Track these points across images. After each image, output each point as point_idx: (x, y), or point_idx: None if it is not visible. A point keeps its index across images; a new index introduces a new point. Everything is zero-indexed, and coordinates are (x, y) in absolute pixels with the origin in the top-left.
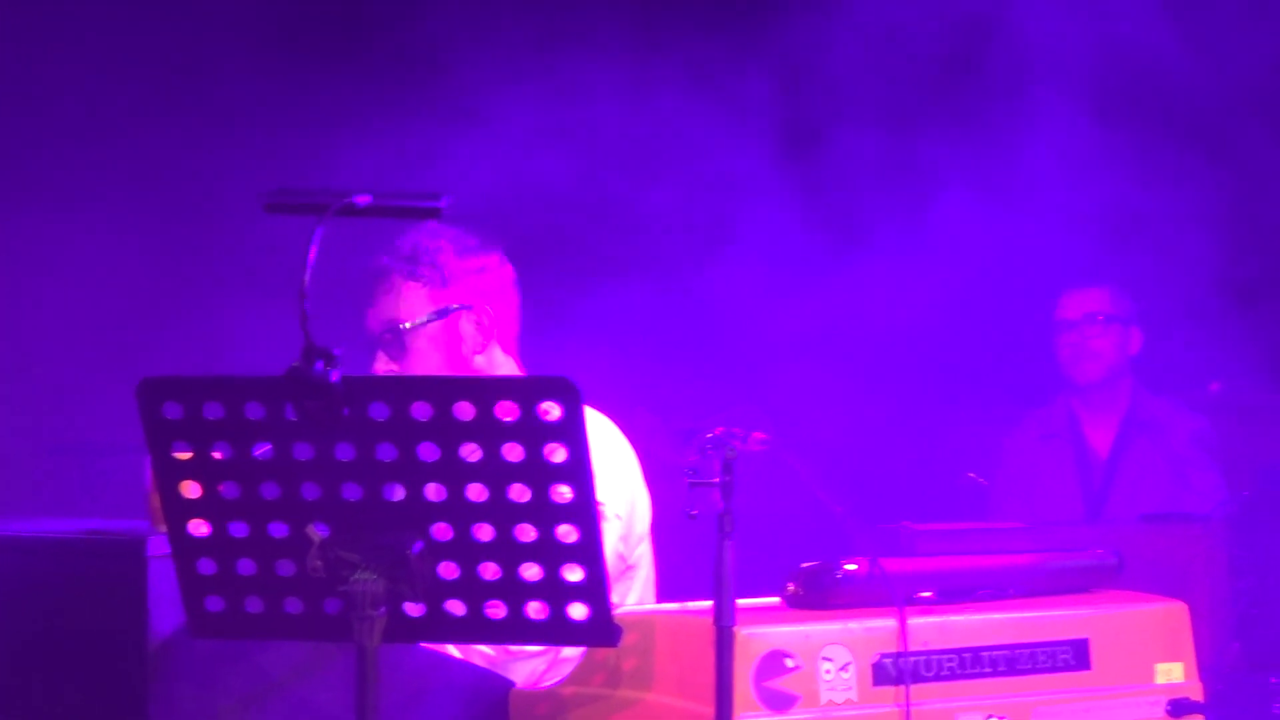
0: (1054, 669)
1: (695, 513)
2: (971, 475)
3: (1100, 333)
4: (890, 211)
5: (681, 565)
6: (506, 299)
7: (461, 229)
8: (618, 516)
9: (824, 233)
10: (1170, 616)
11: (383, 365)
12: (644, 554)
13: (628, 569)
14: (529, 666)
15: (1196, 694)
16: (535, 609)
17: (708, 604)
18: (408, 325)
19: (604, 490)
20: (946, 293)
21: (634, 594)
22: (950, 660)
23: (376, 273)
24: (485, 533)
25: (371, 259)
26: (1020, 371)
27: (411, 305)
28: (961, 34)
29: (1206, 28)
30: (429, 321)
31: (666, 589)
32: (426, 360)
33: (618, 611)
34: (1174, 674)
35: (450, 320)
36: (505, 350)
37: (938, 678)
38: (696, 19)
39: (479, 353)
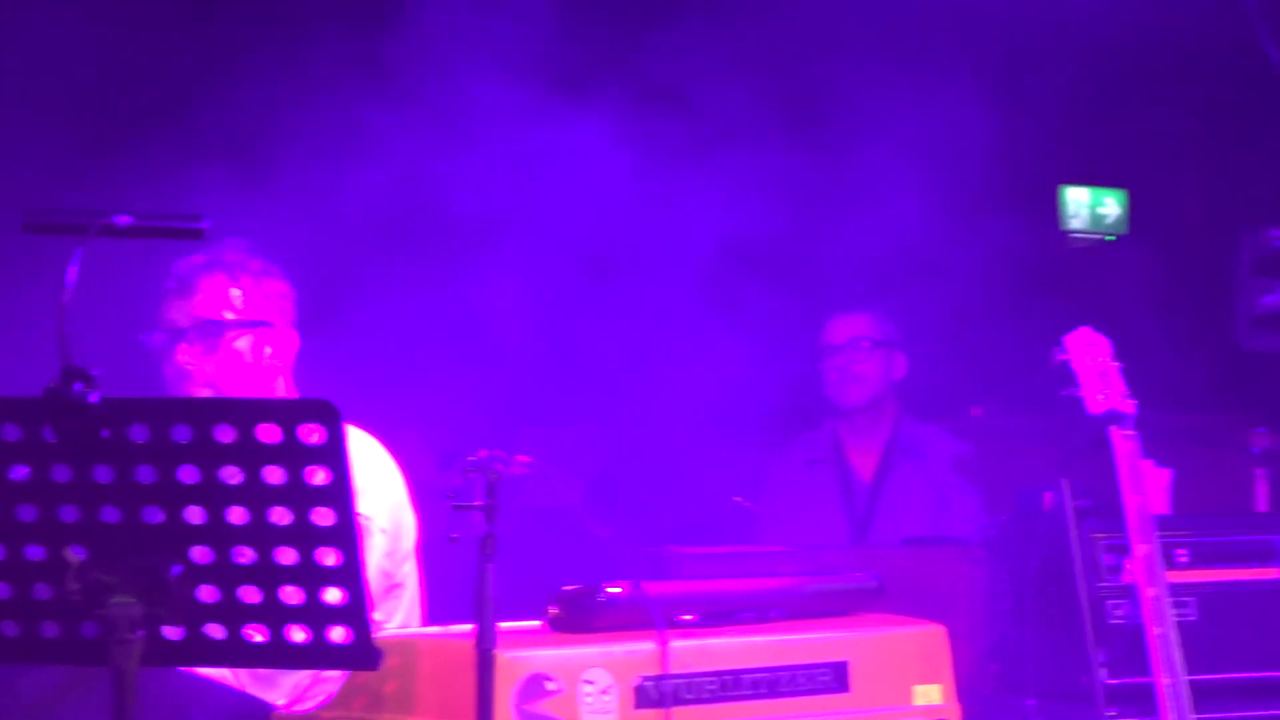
0: (814, 691)
1: (457, 536)
2: (738, 499)
3: (865, 357)
4: (652, 233)
5: (445, 589)
6: (293, 333)
7: (267, 257)
8: (383, 531)
9: (590, 253)
10: (929, 639)
11: (184, 358)
12: (410, 573)
13: (394, 586)
14: (292, 680)
15: (954, 715)
16: (296, 632)
17: (470, 627)
18: (230, 315)
19: (370, 505)
20: (712, 317)
21: (400, 613)
22: (711, 683)
23: (200, 267)
24: (245, 556)
25: (192, 255)
26: (787, 396)
27: (233, 306)
28: None
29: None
30: (245, 326)
31: (431, 612)
32: (235, 364)
33: (379, 634)
34: (932, 696)
35: (261, 333)
36: (289, 380)
37: (699, 700)
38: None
39: (268, 375)
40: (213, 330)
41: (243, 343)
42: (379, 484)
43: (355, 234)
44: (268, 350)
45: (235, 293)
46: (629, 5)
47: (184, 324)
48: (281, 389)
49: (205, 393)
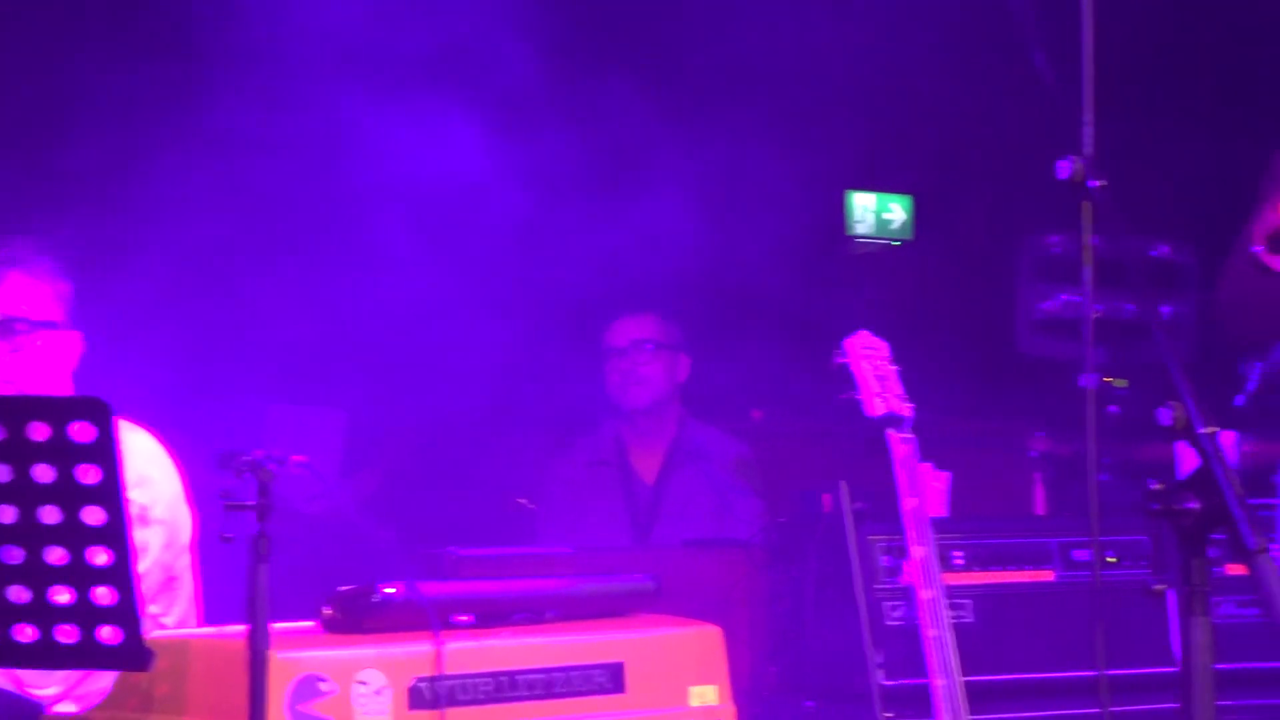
0: (590, 692)
1: (231, 536)
2: (520, 501)
3: (648, 360)
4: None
5: (220, 589)
6: (76, 330)
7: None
8: (161, 522)
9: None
10: (704, 640)
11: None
12: (186, 569)
13: (172, 579)
14: (49, 694)
15: (730, 716)
16: (66, 632)
17: (243, 628)
18: (30, 313)
19: (148, 495)
20: (496, 316)
21: (178, 607)
22: (486, 684)
23: (12, 259)
24: (14, 555)
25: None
26: (569, 397)
27: (35, 305)
28: None
29: None
30: (51, 328)
31: (206, 613)
32: (37, 364)
33: (151, 635)
34: (708, 696)
35: (65, 335)
36: (62, 385)
37: (474, 701)
38: None
39: (66, 374)
40: (13, 329)
41: (39, 342)
42: (156, 476)
43: (137, 230)
44: (68, 353)
45: (34, 291)
46: None
47: None
48: (67, 389)
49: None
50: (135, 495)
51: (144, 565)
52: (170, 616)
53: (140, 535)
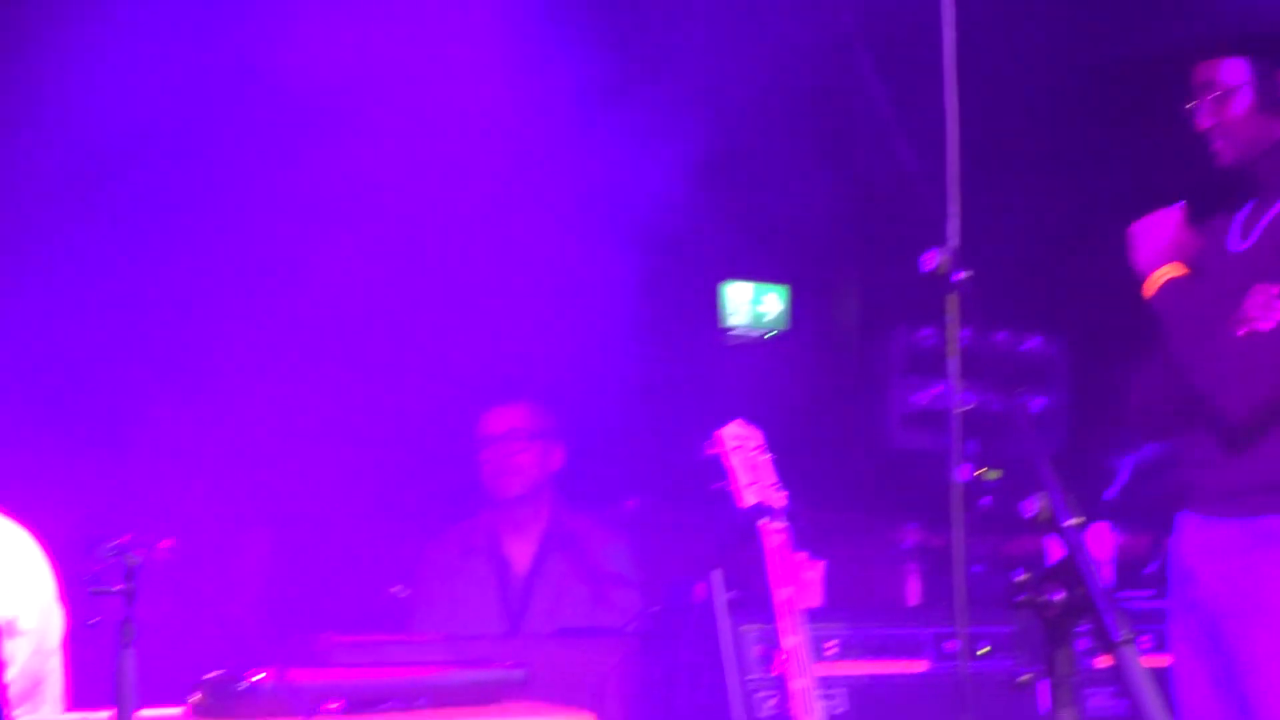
0: None
1: (96, 620)
2: (396, 588)
3: (522, 448)
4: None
5: (88, 674)
6: None
7: None
8: (30, 631)
9: (248, 332)
10: None
11: None
12: (54, 667)
13: (38, 683)
14: None
15: None
16: None
17: (109, 715)
18: None
19: (16, 604)
20: (371, 403)
21: (46, 706)
22: None
23: None
24: None
25: None
26: (444, 484)
27: None
28: None
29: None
30: None
31: (74, 699)
32: None
33: None
34: None
35: None
36: None
37: None
38: None
39: None
40: None
41: None
42: (25, 581)
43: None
44: None
45: None
46: None
47: None
48: None
49: None
50: (3, 605)
51: (9, 675)
52: (36, 717)
53: (8, 647)
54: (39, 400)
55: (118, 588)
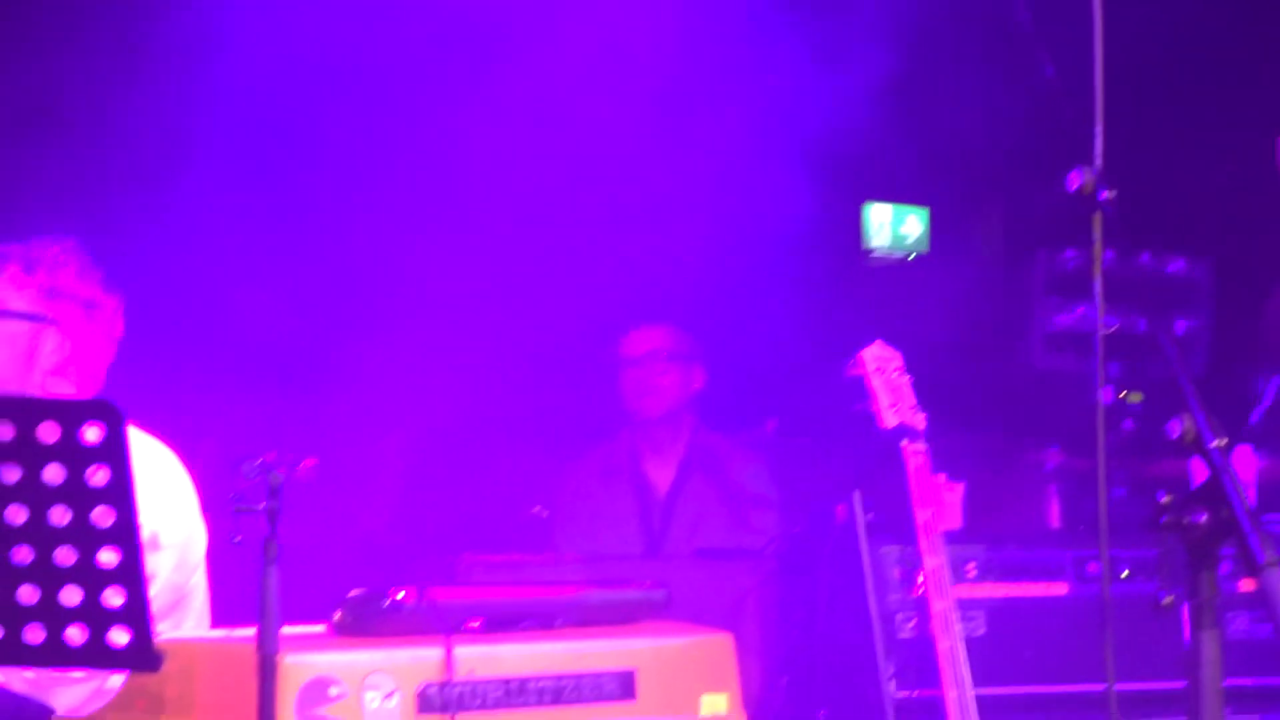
0: (600, 699)
1: (240, 539)
2: (535, 509)
3: (663, 370)
4: (449, 236)
5: (230, 592)
6: (102, 346)
7: (96, 265)
8: (174, 546)
9: (386, 253)
10: (716, 648)
11: None
12: (199, 582)
13: (182, 598)
14: (71, 694)
15: None
16: (75, 633)
17: (253, 631)
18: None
19: (160, 519)
20: (514, 324)
21: (189, 621)
22: (496, 689)
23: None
24: (24, 555)
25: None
26: (585, 405)
27: (7, 294)
28: None
29: None
30: (15, 317)
31: (216, 615)
32: None
33: (160, 638)
34: (718, 705)
35: (35, 328)
36: (85, 388)
37: (484, 706)
38: None
39: (52, 374)
40: None
41: (11, 335)
42: (169, 496)
43: (159, 234)
44: (47, 349)
45: (18, 283)
46: None
47: None
48: (68, 391)
49: None
50: (146, 520)
51: (154, 590)
52: (181, 631)
53: (151, 561)
54: (185, 321)
55: (261, 506)
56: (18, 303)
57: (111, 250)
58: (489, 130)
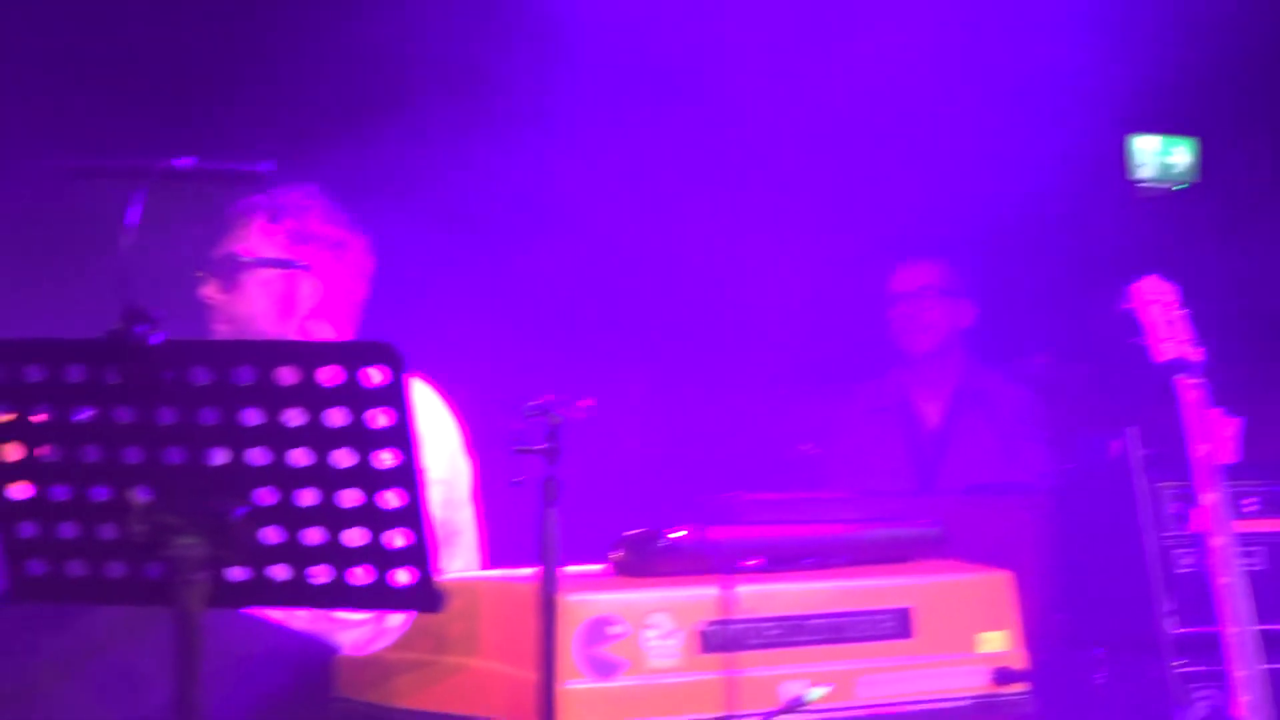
0: (877, 637)
1: (520, 479)
2: (804, 445)
3: (933, 305)
4: (719, 176)
5: (508, 532)
6: (351, 281)
7: (339, 207)
8: (440, 482)
9: (653, 196)
10: (994, 586)
11: (210, 292)
12: (467, 519)
13: (452, 534)
14: (352, 636)
15: (1020, 663)
16: (359, 574)
17: (532, 571)
18: (247, 260)
19: (426, 455)
20: (781, 262)
21: (459, 559)
22: (774, 628)
23: (242, 207)
24: (308, 497)
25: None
26: (853, 343)
27: (258, 243)
28: None
29: None
30: (268, 265)
31: (493, 556)
32: (253, 302)
33: (443, 577)
34: (997, 643)
35: (290, 275)
36: (342, 329)
37: (763, 645)
38: None
39: (310, 318)
40: (233, 266)
41: (266, 283)
42: (434, 433)
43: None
44: (303, 294)
45: (266, 232)
46: None
47: (214, 256)
48: (328, 333)
49: (224, 329)
50: None
51: None
52: (452, 568)
53: None
54: (462, 266)
55: (541, 446)
56: (268, 251)
57: (383, 188)
58: (754, 70)
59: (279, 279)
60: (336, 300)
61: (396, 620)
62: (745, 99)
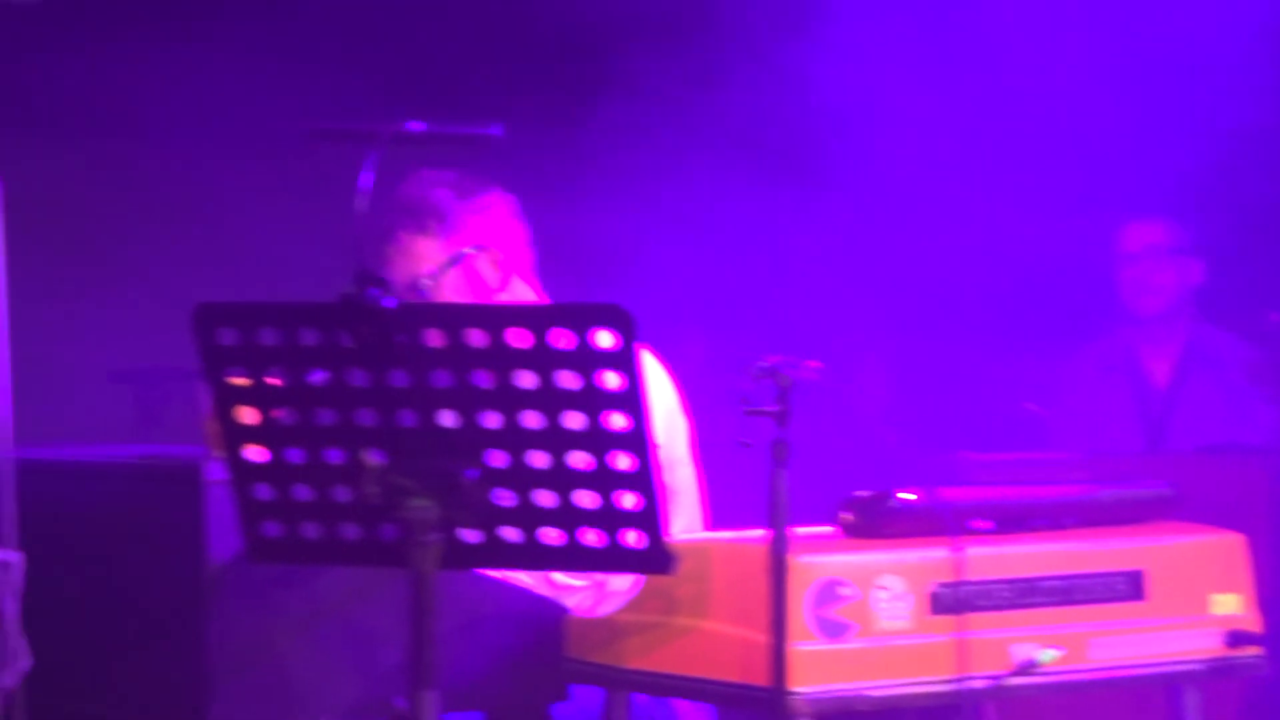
0: (1109, 599)
1: (749, 441)
2: (1029, 405)
3: (1162, 265)
4: (948, 136)
5: (735, 493)
6: (514, 231)
7: (456, 170)
8: (658, 445)
9: (877, 162)
10: (1227, 548)
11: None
12: (686, 478)
13: (671, 494)
14: (573, 601)
15: (1254, 625)
16: (591, 536)
17: (761, 532)
18: (427, 281)
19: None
20: (1005, 221)
21: (680, 519)
22: (1005, 590)
23: (383, 233)
24: (540, 460)
25: (374, 219)
26: (1079, 302)
27: (422, 260)
28: None
29: None
30: (446, 270)
31: (720, 517)
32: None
33: (672, 539)
34: (1231, 605)
35: (466, 264)
36: (528, 281)
37: (993, 607)
38: None
39: (501, 290)
40: (419, 290)
41: (454, 284)
42: (650, 395)
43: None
44: (488, 269)
45: (421, 241)
46: None
47: (399, 288)
48: (525, 296)
49: None
50: None
51: None
52: (673, 528)
53: None
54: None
55: (770, 409)
56: (435, 257)
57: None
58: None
59: (461, 274)
60: (511, 256)
61: (620, 585)
62: (973, 60)
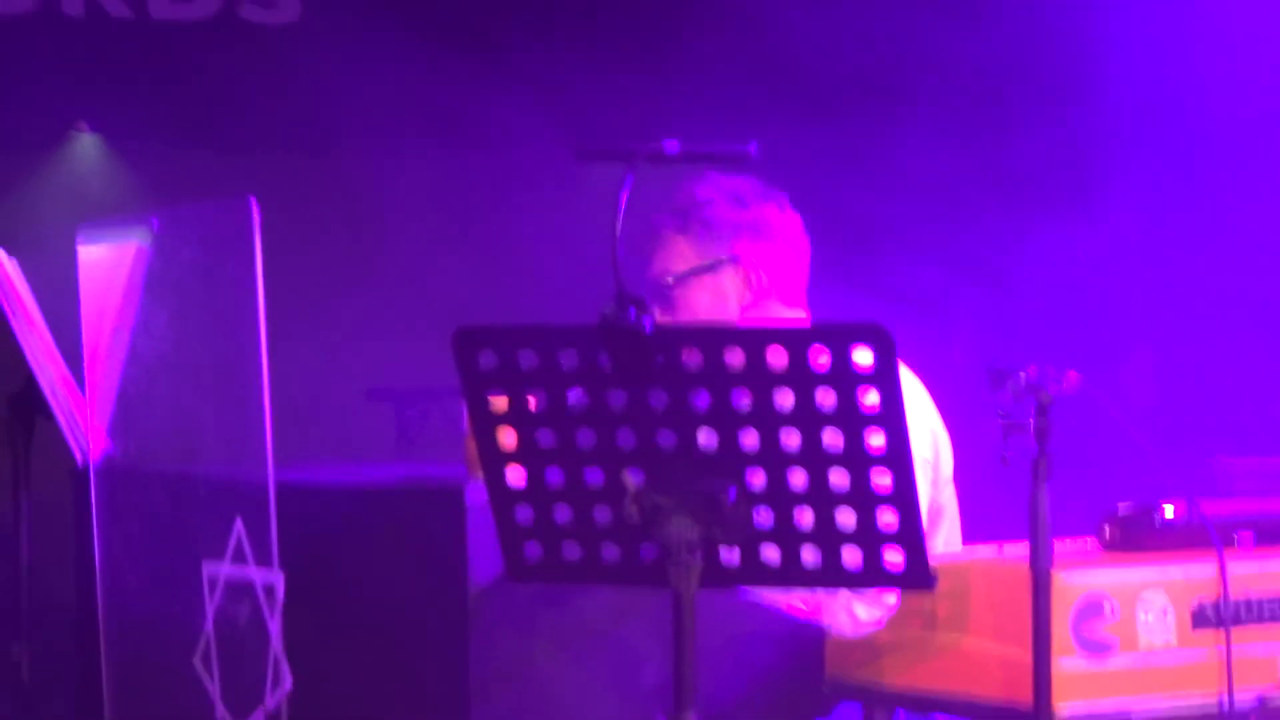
0: None
1: (1008, 455)
2: None
3: None
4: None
5: (989, 507)
6: (782, 251)
7: (743, 179)
8: (925, 461)
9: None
10: None
11: (655, 316)
12: (950, 497)
13: (936, 512)
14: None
15: None
16: (850, 555)
17: (1020, 547)
18: (670, 279)
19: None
20: (1254, 224)
21: (941, 537)
22: (1271, 604)
23: (651, 227)
24: (799, 479)
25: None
26: None
27: (676, 258)
28: None
29: None
30: (692, 274)
31: (974, 531)
32: (691, 313)
33: (932, 556)
34: None
35: (716, 273)
36: (790, 302)
37: (1257, 620)
38: None
39: (748, 307)
40: (664, 287)
41: (699, 290)
42: (913, 413)
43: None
44: (737, 284)
45: (681, 242)
46: None
47: (645, 284)
48: (776, 314)
49: None
50: None
51: None
52: (935, 546)
53: None
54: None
55: (1030, 423)
56: (690, 260)
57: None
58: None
59: (708, 282)
60: (773, 275)
61: (866, 618)
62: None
